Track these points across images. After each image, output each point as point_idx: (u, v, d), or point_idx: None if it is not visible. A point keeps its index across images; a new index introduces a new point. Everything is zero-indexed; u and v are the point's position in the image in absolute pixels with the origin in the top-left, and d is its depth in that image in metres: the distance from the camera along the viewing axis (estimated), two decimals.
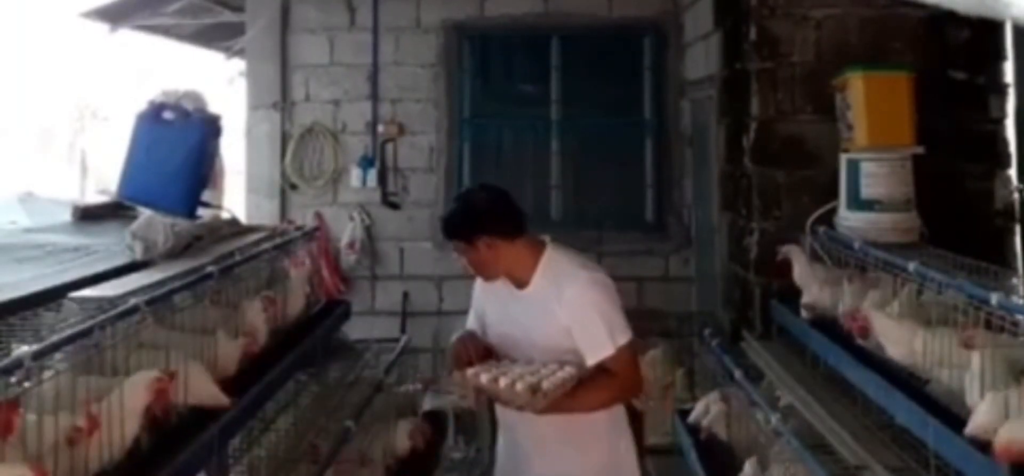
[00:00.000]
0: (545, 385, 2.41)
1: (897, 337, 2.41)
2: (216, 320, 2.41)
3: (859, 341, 2.60)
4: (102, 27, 6.85)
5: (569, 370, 2.48)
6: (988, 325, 2.13)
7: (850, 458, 2.47)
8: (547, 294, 2.61)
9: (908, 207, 3.32)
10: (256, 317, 2.57)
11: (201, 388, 2.13)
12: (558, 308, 2.58)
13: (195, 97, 3.21)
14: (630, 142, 5.99)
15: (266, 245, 3.01)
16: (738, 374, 3.13)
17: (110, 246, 2.84)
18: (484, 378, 2.48)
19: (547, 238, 2.73)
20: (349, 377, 3.32)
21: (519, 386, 2.40)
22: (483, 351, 2.65)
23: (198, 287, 2.39)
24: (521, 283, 2.65)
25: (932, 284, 2.44)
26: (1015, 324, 2.04)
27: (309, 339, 2.98)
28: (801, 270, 3.23)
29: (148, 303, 2.07)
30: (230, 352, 2.36)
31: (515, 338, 2.66)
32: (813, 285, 3.14)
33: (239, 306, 2.57)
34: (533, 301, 2.62)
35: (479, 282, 2.78)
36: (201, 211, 3.23)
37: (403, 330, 5.56)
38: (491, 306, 2.75)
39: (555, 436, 2.62)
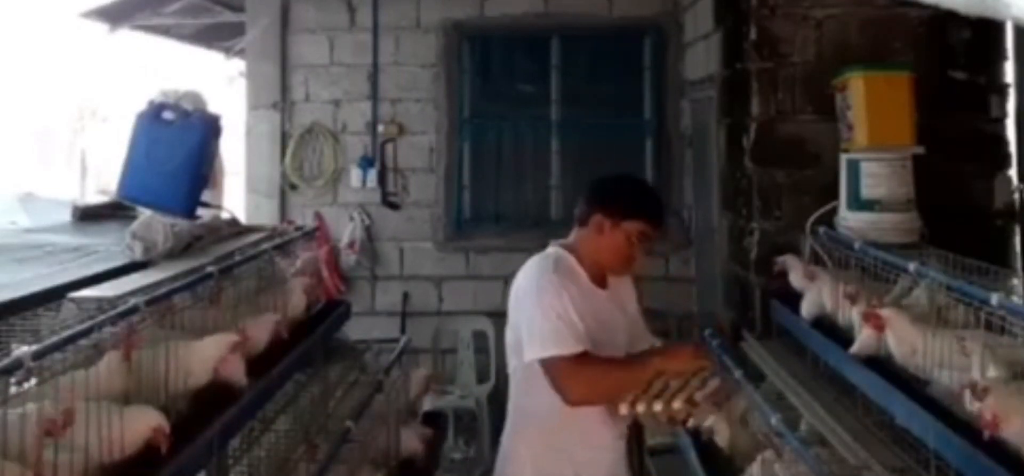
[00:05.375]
0: (697, 396, 2.49)
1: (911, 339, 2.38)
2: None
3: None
4: (102, 27, 6.84)
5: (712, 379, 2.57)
6: (988, 326, 2.13)
7: (850, 458, 2.47)
8: (619, 290, 2.67)
9: (908, 207, 3.32)
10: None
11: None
12: (629, 302, 2.71)
13: (195, 97, 3.20)
14: (630, 142, 5.98)
15: (266, 245, 3.01)
16: (738, 374, 3.12)
17: (110, 246, 2.84)
18: (642, 408, 2.48)
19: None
20: (349, 377, 3.32)
21: (677, 405, 2.46)
22: None
23: (198, 287, 2.39)
24: (603, 281, 2.66)
25: (932, 284, 2.44)
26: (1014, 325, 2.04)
27: (309, 339, 2.97)
28: (797, 276, 3.19)
29: (148, 303, 2.07)
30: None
31: (602, 343, 2.53)
32: (812, 289, 3.12)
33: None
34: (612, 299, 2.67)
35: (569, 290, 2.50)
36: (201, 211, 3.22)
37: (403, 330, 5.56)
38: (584, 316, 2.50)
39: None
